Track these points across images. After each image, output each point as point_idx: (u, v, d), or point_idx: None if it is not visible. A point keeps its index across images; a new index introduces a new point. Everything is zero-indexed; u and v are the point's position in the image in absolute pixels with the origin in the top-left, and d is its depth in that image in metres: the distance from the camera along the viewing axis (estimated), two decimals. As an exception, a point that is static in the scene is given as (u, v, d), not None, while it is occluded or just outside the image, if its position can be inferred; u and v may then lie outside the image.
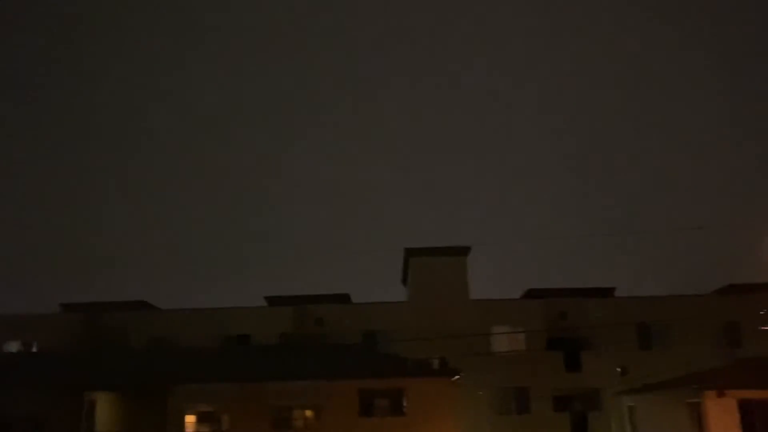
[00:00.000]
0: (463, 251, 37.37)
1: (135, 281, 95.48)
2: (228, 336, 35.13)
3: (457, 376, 24.17)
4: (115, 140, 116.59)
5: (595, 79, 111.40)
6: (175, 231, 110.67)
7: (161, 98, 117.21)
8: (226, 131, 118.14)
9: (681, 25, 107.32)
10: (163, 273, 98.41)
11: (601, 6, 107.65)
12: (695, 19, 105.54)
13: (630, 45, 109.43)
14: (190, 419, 24.14)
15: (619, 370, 32.84)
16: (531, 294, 37.94)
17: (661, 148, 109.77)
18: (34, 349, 34.47)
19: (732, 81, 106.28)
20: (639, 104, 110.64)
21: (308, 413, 24.17)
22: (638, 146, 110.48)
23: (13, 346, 34.88)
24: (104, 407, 25.10)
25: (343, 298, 38.40)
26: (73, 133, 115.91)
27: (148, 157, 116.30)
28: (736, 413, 22.50)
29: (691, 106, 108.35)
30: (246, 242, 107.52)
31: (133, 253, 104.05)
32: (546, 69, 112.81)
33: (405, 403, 23.82)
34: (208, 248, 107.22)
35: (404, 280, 43.11)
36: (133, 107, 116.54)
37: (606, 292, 37.45)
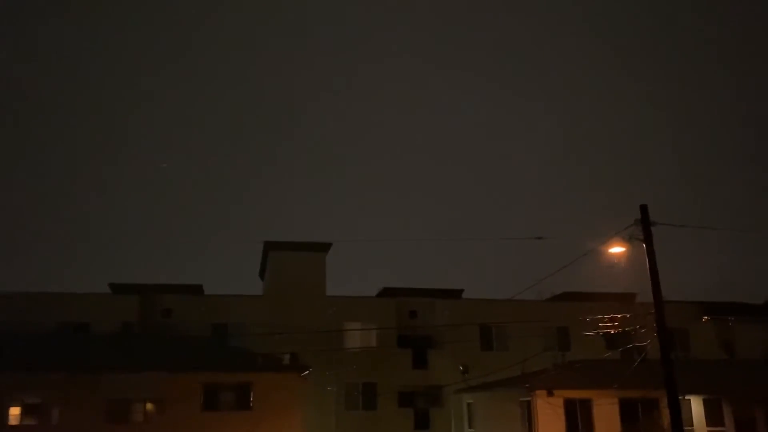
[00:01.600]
0: (323, 247, 37.47)
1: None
2: (64, 322, 32.60)
3: (306, 371, 24.20)
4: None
5: (465, 88, 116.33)
6: (16, 209, 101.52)
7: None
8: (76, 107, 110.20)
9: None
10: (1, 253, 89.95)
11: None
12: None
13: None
14: (14, 411, 22.19)
15: (461, 368, 34.46)
16: (385, 292, 38.84)
17: (513, 158, 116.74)
18: None
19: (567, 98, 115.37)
20: (494, 113, 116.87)
21: (149, 406, 23.10)
22: (493, 155, 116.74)
23: None
24: None
25: (195, 289, 37.02)
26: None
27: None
28: (562, 411, 24.44)
29: (536, 119, 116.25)
30: (92, 227, 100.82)
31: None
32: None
33: (252, 398, 23.47)
34: (48, 229, 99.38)
35: (262, 274, 42.47)
36: None
37: (455, 294, 39.16)
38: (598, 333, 21.53)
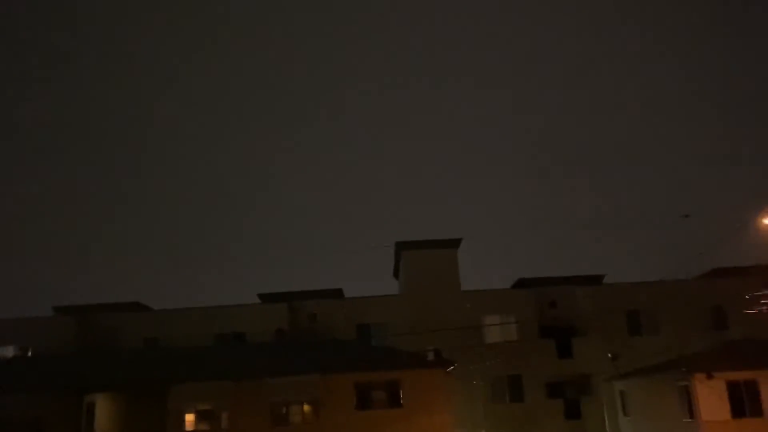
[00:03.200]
0: (454, 243, 37.74)
1: (127, 282, 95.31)
2: (222, 334, 35.28)
3: (451, 367, 24.53)
4: (102, 141, 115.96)
5: (579, 77, 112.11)
6: (166, 231, 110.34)
7: (156, 97, 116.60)
8: (216, 132, 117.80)
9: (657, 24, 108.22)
10: (155, 273, 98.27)
11: None
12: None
13: (606, 42, 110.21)
14: (189, 418, 24.33)
15: (609, 355, 33.39)
16: (521, 283, 38.42)
17: (645, 136, 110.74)
18: (30, 353, 34.47)
19: (710, 67, 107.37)
20: (619, 98, 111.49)
21: (306, 408, 24.43)
22: (623, 137, 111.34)
23: (9, 351, 34.86)
24: (103, 408, 25.29)
25: (336, 293, 38.63)
26: (59, 133, 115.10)
27: (137, 158, 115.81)
28: (725, 394, 23.05)
29: (672, 95, 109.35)
30: (236, 241, 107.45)
31: (125, 254, 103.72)
32: (528, 68, 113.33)
33: (401, 395, 24.15)
34: (199, 247, 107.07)
35: (396, 274, 43.45)
36: (122, 107, 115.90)
37: (595, 280, 37.99)
38: (761, 309, 20.07)
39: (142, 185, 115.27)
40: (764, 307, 19.75)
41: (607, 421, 32.83)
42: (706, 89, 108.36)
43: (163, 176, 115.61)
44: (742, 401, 22.95)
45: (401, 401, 24.08)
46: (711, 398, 22.91)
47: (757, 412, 22.79)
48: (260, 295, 38.90)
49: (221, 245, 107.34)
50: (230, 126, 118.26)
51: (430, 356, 25.35)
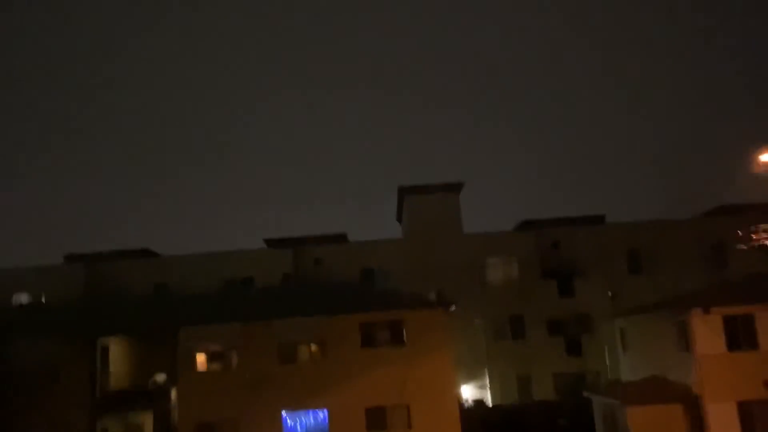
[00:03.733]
0: (456, 187, 37.97)
1: (136, 229, 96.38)
2: (230, 279, 36.01)
3: (452, 307, 25.09)
4: (108, 87, 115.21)
5: (587, 25, 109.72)
6: (170, 179, 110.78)
7: (163, 35, 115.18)
8: (220, 75, 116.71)
9: None
10: (162, 219, 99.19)
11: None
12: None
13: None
14: (200, 358, 25.11)
15: (610, 294, 33.99)
16: (523, 226, 38.78)
17: (644, 74, 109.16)
18: (42, 300, 35.31)
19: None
20: (622, 42, 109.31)
21: (313, 347, 25.18)
22: (621, 74, 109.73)
23: (22, 298, 35.74)
24: (117, 352, 26.12)
25: (340, 238, 39.16)
26: (60, 80, 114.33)
27: (142, 104, 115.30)
28: (722, 329, 23.55)
29: (666, 36, 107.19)
30: (241, 188, 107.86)
31: (133, 201, 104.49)
32: (534, 18, 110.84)
33: (404, 334, 24.80)
34: (206, 194, 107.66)
35: (399, 218, 43.86)
36: (126, 51, 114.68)
37: (596, 220, 38.28)
38: (753, 246, 20.29)
39: (148, 131, 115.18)
40: (756, 243, 19.89)
41: (607, 357, 33.66)
42: (700, 26, 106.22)
43: (171, 123, 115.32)
44: (738, 335, 23.44)
45: (404, 340, 24.75)
46: (707, 333, 23.39)
47: (753, 344, 23.28)
48: (266, 241, 39.47)
49: (228, 191, 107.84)
50: (235, 71, 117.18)
51: (432, 297, 25.85)
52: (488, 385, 33.94)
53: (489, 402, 32.95)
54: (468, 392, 33.25)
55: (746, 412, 22.52)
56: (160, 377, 25.27)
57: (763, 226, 19.93)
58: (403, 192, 38.55)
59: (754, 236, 19.66)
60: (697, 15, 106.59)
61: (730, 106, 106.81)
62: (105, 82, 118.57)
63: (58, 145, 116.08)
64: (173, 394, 25.02)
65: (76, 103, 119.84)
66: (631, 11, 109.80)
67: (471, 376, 33.68)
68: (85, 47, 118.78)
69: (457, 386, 28.66)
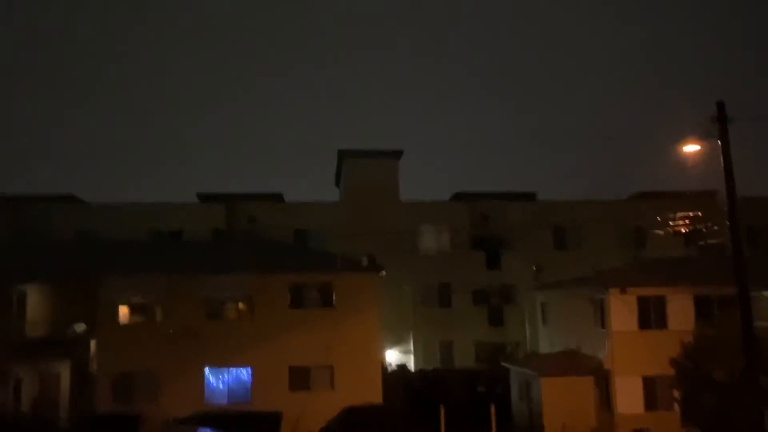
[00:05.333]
0: (396, 154, 38.12)
1: (62, 174, 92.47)
2: (158, 231, 35.16)
3: (383, 272, 25.42)
4: (49, 29, 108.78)
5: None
6: (105, 123, 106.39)
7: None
8: (165, 27, 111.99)
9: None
10: (92, 166, 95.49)
11: None
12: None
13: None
14: (123, 310, 24.63)
15: (534, 268, 35.17)
16: (458, 197, 39.40)
17: (576, 58, 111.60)
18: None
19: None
20: (553, 22, 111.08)
21: (240, 305, 25.08)
22: (556, 57, 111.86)
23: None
24: (35, 299, 25.24)
25: (277, 198, 38.79)
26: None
27: (81, 47, 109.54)
28: (635, 308, 24.83)
29: (602, 19, 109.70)
30: (177, 139, 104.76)
31: (61, 145, 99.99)
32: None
33: (334, 297, 25.02)
34: (139, 143, 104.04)
35: (337, 182, 43.75)
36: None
37: (528, 197, 39.27)
38: (669, 231, 21.38)
39: (86, 77, 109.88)
40: (671, 229, 20.98)
41: (527, 329, 34.96)
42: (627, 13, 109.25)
43: (109, 69, 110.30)
44: (649, 314, 24.80)
45: (333, 302, 24.98)
46: (622, 311, 24.62)
47: (662, 324, 24.68)
48: (199, 195, 38.66)
49: (162, 143, 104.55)
50: (179, 19, 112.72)
51: (364, 261, 26.09)
52: (412, 351, 34.77)
53: (412, 367, 33.78)
54: (392, 356, 33.98)
55: (650, 386, 23.96)
56: (80, 327, 24.63)
57: (680, 213, 21.00)
58: (343, 155, 38.42)
59: (671, 223, 20.69)
60: None
61: (662, 94, 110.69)
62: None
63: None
64: (92, 344, 24.49)
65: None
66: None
67: (396, 341, 34.39)
68: None
69: (382, 350, 29.24)
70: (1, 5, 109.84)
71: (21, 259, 26.64)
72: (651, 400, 23.98)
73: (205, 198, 38.24)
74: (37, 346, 24.14)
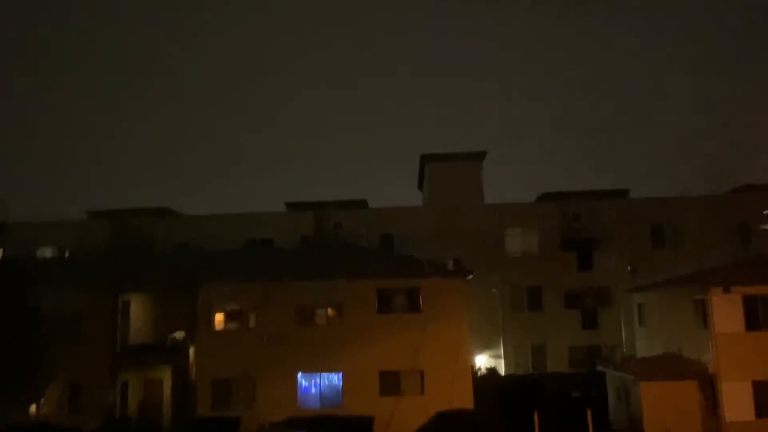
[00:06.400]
0: (478, 156, 37.67)
1: (159, 187, 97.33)
2: (251, 240, 36.31)
3: (470, 275, 25.09)
4: (140, 50, 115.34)
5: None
6: (195, 139, 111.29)
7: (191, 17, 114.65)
8: (247, 41, 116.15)
9: None
10: (186, 179, 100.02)
11: None
12: None
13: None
14: (219, 317, 25.51)
15: (629, 268, 33.75)
16: (545, 197, 38.44)
17: (669, 52, 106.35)
18: (66, 255, 35.94)
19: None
20: (652, 18, 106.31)
21: (330, 311, 25.43)
22: (645, 50, 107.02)
23: (47, 252, 36.43)
24: (138, 307, 26.61)
25: (361, 204, 39.22)
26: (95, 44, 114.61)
27: (171, 65, 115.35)
28: (741, 308, 23.30)
29: (695, 11, 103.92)
30: (265, 149, 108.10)
31: (157, 160, 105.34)
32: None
33: (420, 301, 24.93)
34: (228, 155, 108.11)
35: (420, 186, 43.73)
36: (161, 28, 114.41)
37: (620, 194, 37.82)
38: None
39: (174, 96, 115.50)
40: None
41: (624, 331, 33.59)
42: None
43: (198, 85, 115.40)
44: (757, 315, 23.21)
45: (420, 307, 24.89)
46: (726, 311, 23.18)
47: (772, 325, 23.06)
48: (288, 204, 39.66)
49: (251, 155, 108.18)
50: (256, 35, 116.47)
51: (450, 265, 25.85)
52: (502, 355, 34.13)
53: (502, 371, 33.16)
54: (482, 361, 33.50)
55: (761, 391, 22.41)
56: (180, 334, 25.76)
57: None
58: (425, 160, 38.36)
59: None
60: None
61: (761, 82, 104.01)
62: (133, 37, 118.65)
63: (84, 103, 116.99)
64: (191, 350, 25.52)
65: (103, 65, 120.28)
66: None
67: (486, 345, 33.86)
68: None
69: (471, 354, 28.85)
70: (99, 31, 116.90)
71: (124, 270, 28.14)
72: (763, 407, 22.42)
73: (294, 207, 39.19)
74: (141, 352, 25.46)
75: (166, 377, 25.36)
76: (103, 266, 29.30)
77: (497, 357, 34.13)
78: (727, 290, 23.16)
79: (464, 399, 23.66)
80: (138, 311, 26.66)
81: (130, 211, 38.98)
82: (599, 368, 27.87)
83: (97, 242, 35.95)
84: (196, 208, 78.07)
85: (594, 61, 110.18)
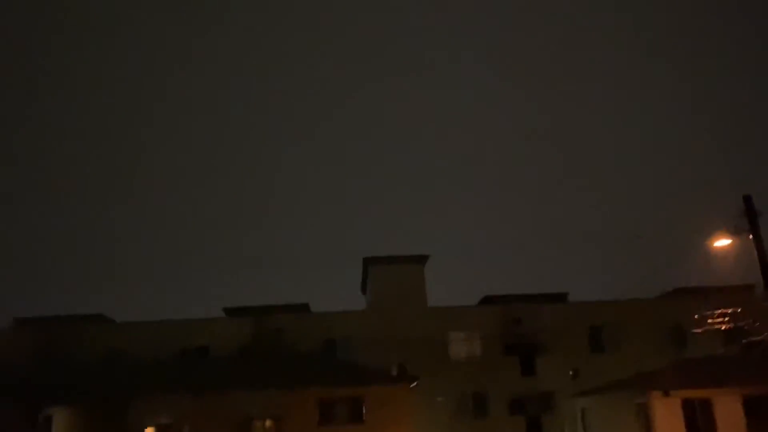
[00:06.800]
0: (421, 260, 38.03)
1: (91, 294, 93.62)
2: (186, 348, 34.92)
3: (414, 383, 24.66)
4: (67, 148, 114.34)
5: (542, 99, 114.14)
6: (131, 244, 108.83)
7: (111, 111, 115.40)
8: (186, 145, 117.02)
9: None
10: (119, 285, 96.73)
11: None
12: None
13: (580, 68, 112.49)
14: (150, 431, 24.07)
15: (571, 373, 33.85)
16: (487, 300, 38.78)
17: (601, 159, 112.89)
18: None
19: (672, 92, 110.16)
20: (575, 121, 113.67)
21: (268, 423, 24.33)
22: (579, 159, 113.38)
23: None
24: (61, 422, 24.82)
25: (303, 308, 38.60)
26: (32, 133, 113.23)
27: (109, 167, 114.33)
28: (680, 412, 23.53)
29: (623, 118, 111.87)
30: (203, 254, 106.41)
31: (89, 265, 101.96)
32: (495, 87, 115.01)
33: (364, 411, 24.20)
34: (164, 260, 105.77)
35: (363, 289, 43.54)
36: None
37: (559, 298, 38.51)
38: (708, 329, 20.57)
39: (103, 201, 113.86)
40: (710, 327, 20.17)
41: (568, 438, 33.21)
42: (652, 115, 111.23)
43: (127, 190, 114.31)
44: (696, 419, 23.45)
45: (363, 417, 24.13)
46: (667, 416, 23.37)
47: (711, 428, 23.29)
48: (226, 309, 38.65)
49: (186, 258, 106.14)
50: (196, 141, 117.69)
51: (394, 371, 25.42)
52: (449, 465, 33.03)
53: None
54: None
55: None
56: (106, 451, 24.03)
57: (718, 310, 20.26)
58: (368, 263, 38.44)
59: (709, 320, 19.95)
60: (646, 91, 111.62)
61: (690, 188, 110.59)
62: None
63: (7, 206, 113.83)
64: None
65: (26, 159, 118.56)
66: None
67: (432, 455, 32.79)
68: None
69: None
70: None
71: (50, 381, 26.44)
72: None
73: (232, 312, 38.20)
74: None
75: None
76: (26, 377, 27.48)
77: (443, 467, 33.02)
78: (666, 394, 23.45)
79: None
80: (61, 427, 24.84)
81: (60, 317, 37.16)
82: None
83: (25, 351, 33.89)
84: (130, 314, 75.22)
85: (531, 158, 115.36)
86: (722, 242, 15.40)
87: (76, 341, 34.85)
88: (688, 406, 23.53)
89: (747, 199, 14.73)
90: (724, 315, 19.75)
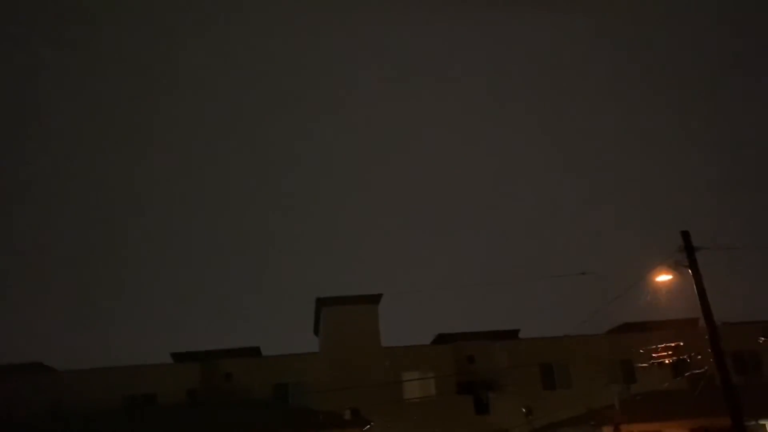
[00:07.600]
0: (374, 299, 37.85)
1: (28, 341, 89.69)
2: (132, 396, 33.62)
3: (368, 426, 24.31)
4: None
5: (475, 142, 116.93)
6: (71, 286, 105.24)
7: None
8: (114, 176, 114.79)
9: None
10: (60, 332, 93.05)
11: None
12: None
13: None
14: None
15: (524, 410, 33.91)
16: (440, 339, 38.76)
17: (543, 195, 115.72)
18: None
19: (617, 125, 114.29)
20: (521, 158, 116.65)
21: (217, 473, 23.56)
22: (524, 195, 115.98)
23: None
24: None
25: (253, 351, 37.79)
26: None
27: (36, 210, 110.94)
28: (631, 446, 23.83)
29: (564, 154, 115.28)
30: (149, 296, 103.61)
31: (25, 311, 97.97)
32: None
33: (317, 457, 23.69)
34: (108, 303, 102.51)
35: (316, 330, 42.98)
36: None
37: (511, 334, 38.77)
38: (652, 364, 20.97)
39: (39, 238, 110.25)
40: (655, 361, 20.59)
41: (524, 477, 33.05)
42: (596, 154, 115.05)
43: (65, 225, 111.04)
44: (647, 452, 23.78)
45: (316, 464, 23.60)
46: (618, 450, 23.60)
47: (662, 462, 23.63)
48: (173, 354, 37.53)
49: (130, 302, 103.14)
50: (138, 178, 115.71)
51: (348, 415, 25.00)
52: None
53: None
54: None
55: None
56: None
57: (662, 344, 20.77)
58: (321, 303, 38.04)
59: (654, 354, 20.40)
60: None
61: (632, 223, 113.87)
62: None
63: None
64: None
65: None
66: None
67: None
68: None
69: None
70: None
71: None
72: None
73: (179, 357, 37.08)
74: None
75: None
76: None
77: None
78: (617, 429, 23.74)
79: None
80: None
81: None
82: None
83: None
84: (72, 363, 72.18)
85: (478, 202, 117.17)
86: (663, 277, 15.84)
87: (15, 393, 33.18)
88: (638, 440, 23.86)
89: (685, 235, 15.25)
90: (667, 349, 20.21)
